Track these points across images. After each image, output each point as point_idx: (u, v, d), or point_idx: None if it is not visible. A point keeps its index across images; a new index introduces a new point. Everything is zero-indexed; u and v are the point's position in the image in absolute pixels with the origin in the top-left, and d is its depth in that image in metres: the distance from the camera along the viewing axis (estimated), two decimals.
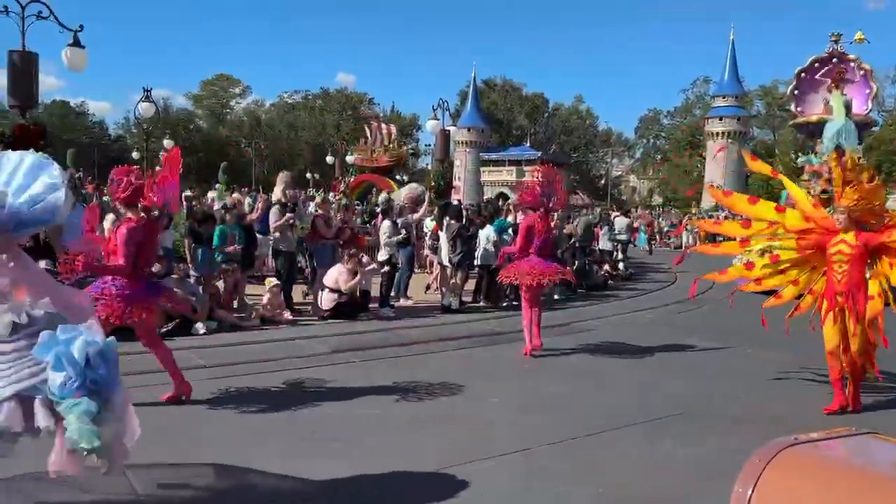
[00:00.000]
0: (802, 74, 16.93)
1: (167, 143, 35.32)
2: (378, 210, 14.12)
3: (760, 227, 6.57)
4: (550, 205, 8.16)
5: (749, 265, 6.74)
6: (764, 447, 1.45)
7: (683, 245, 29.50)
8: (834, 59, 16.10)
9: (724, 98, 63.91)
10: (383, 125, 27.44)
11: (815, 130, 16.27)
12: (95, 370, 2.92)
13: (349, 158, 44.20)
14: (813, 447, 1.48)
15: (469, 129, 62.85)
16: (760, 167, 7.26)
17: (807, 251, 6.24)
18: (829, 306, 5.93)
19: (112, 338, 3.13)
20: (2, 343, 3.05)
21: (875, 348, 5.90)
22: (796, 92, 17.20)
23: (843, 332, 5.83)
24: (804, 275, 6.43)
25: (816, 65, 16.51)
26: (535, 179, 8.30)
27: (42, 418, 2.93)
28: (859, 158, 6.08)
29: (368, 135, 27.08)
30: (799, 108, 17.16)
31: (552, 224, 8.67)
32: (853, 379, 5.95)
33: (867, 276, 5.82)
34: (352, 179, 26.02)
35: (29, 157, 3.28)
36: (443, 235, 11.48)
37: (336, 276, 9.77)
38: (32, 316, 3.13)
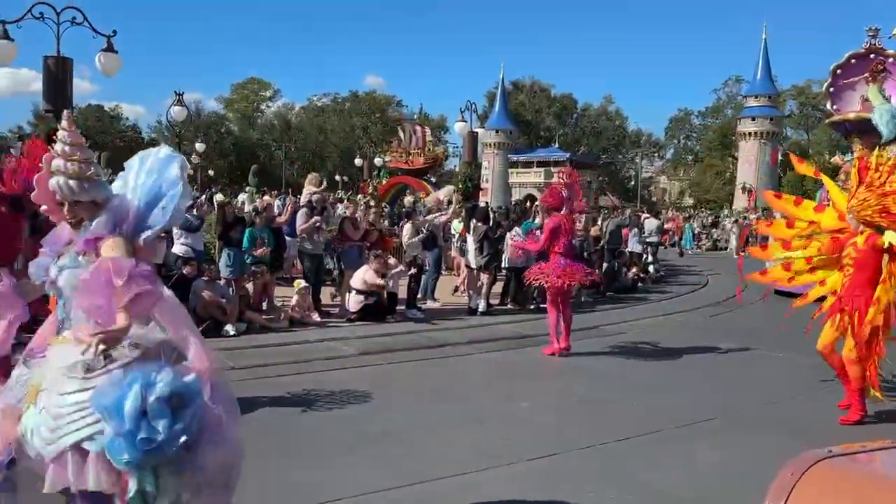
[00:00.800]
0: (838, 71, 16.18)
1: (199, 146, 35.96)
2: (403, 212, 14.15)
3: (801, 227, 6.55)
4: (573, 206, 8.24)
5: (787, 266, 6.58)
6: (796, 459, 1.41)
7: (731, 249, 28.94)
8: (871, 55, 15.36)
9: (756, 98, 62.90)
10: (417, 126, 27.33)
11: (851, 129, 15.58)
12: (153, 424, 2.30)
13: (377, 161, 44.45)
14: (848, 460, 1.43)
15: (497, 131, 62.72)
16: (806, 169, 7.19)
17: (833, 253, 6.09)
18: (831, 308, 5.93)
19: (194, 376, 2.47)
20: (90, 375, 2.45)
21: (873, 359, 5.64)
22: (832, 89, 16.44)
23: (841, 334, 5.81)
24: (832, 276, 6.26)
25: (853, 61, 15.77)
26: (560, 181, 8.42)
27: (92, 479, 2.34)
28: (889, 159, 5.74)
29: (402, 136, 27.01)
30: (835, 107, 16.40)
31: (577, 226, 8.83)
32: (846, 383, 5.85)
33: (878, 280, 5.58)
34: (384, 181, 26.03)
35: (159, 151, 2.97)
36: (470, 238, 11.45)
37: (363, 277, 9.80)
38: (143, 341, 2.59)
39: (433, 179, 25.40)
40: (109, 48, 12.14)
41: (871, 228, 5.67)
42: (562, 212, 8.09)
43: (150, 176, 2.85)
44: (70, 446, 2.36)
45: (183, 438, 2.35)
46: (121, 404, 2.29)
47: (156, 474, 2.34)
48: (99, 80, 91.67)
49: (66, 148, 2.73)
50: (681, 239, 31.36)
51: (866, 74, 15.06)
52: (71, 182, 2.69)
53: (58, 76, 10.98)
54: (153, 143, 73.36)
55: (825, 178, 6.98)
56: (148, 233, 2.78)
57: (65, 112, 2.98)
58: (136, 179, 2.84)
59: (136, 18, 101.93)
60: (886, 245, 5.46)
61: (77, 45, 12.08)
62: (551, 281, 7.85)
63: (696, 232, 36.22)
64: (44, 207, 2.83)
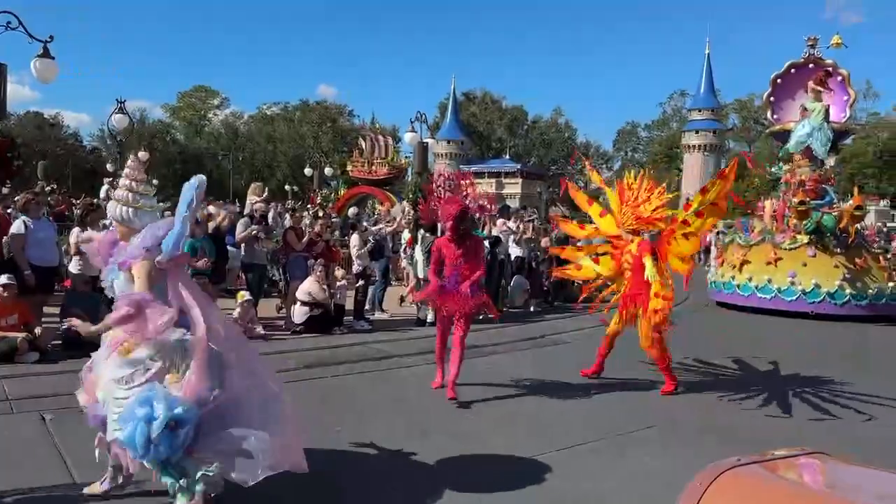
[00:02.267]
0: (778, 80, 16.51)
1: (142, 154, 35.03)
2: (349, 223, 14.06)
3: (590, 230, 8.09)
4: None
5: (596, 260, 7.84)
6: (706, 469, 1.42)
7: None
8: (811, 65, 15.71)
9: (699, 111, 64.80)
10: (381, 136, 27.15)
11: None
12: (158, 447, 3.31)
13: (328, 171, 44.07)
14: (757, 468, 1.45)
15: (448, 142, 63.08)
16: (580, 198, 8.28)
17: (617, 271, 7.40)
18: (622, 305, 7.18)
19: (188, 401, 3.43)
20: (128, 386, 3.54)
21: (660, 340, 6.93)
22: (772, 99, 16.72)
23: (626, 324, 7.16)
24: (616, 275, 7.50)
25: (793, 70, 16.14)
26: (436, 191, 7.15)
27: (129, 465, 3.59)
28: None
29: (364, 146, 26.76)
30: (775, 116, 16.66)
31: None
32: (658, 362, 7.09)
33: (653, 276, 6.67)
34: (341, 192, 25.79)
35: (192, 179, 3.73)
36: (418, 248, 11.43)
37: (308, 288, 9.68)
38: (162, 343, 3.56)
39: (398, 190, 25.27)
40: (45, 54, 11.77)
41: (638, 236, 7.10)
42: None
43: (181, 204, 3.64)
44: (114, 439, 3.49)
45: (182, 446, 3.37)
46: (132, 439, 3.33)
47: (171, 465, 3.38)
48: (42, 87, 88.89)
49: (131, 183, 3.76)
50: None
51: (806, 85, 15.18)
52: (128, 210, 3.73)
53: None
54: (94, 151, 71.55)
55: (607, 190, 7.97)
56: (159, 257, 3.56)
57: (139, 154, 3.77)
58: (179, 206, 3.66)
59: (82, 25, 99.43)
60: (646, 278, 6.68)
61: (21, 50, 11.67)
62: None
63: None
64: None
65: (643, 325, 6.84)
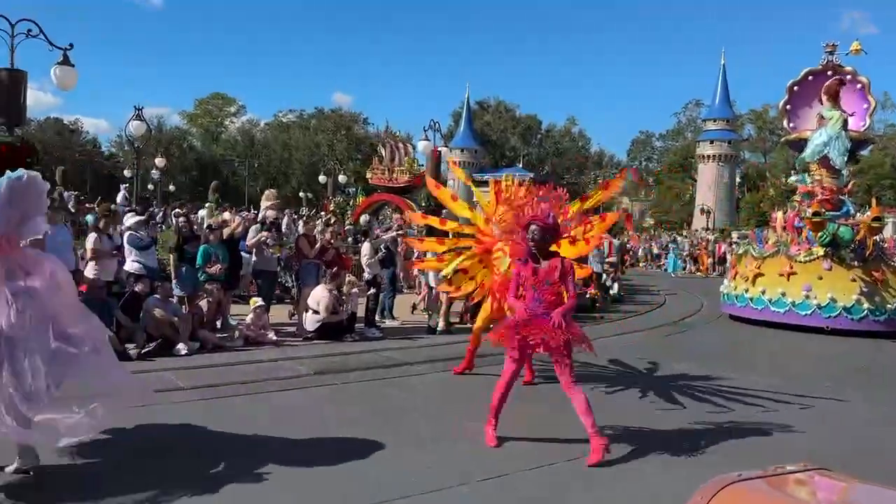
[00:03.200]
0: (795, 88, 15.87)
1: (159, 161, 35.42)
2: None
3: (450, 243, 8.24)
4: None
5: (440, 258, 8.14)
6: (706, 484, 1.42)
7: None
8: (829, 72, 15.07)
9: (714, 122, 64.43)
10: (401, 144, 27.04)
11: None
12: None
13: (342, 178, 44.23)
14: (759, 484, 1.44)
15: (462, 150, 63.13)
16: (442, 195, 8.60)
17: (481, 250, 7.53)
18: (492, 298, 7.30)
19: None
20: None
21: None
22: (789, 107, 16.07)
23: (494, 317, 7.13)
24: (480, 272, 7.64)
25: (810, 77, 15.47)
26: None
27: None
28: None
29: (384, 154, 26.64)
30: (791, 125, 16.12)
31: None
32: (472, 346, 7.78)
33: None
34: (359, 199, 25.81)
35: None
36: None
37: (318, 297, 9.71)
38: None
39: (416, 197, 25.20)
40: (66, 61, 11.94)
41: (511, 235, 6.97)
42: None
43: None
44: None
45: None
46: None
47: None
48: (62, 93, 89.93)
49: None
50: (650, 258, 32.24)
51: (824, 93, 14.60)
52: None
53: (10, 89, 10.75)
54: (112, 157, 72.28)
55: (472, 186, 9.08)
56: None
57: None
58: None
59: (100, 34, 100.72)
60: (504, 269, 6.80)
61: (41, 58, 11.89)
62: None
63: (655, 253, 36.77)
64: None
65: (486, 308, 7.39)
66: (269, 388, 7.15)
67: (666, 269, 32.24)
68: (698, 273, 31.08)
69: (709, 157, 64.44)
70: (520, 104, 77.63)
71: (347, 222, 19.92)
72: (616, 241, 21.66)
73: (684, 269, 32.20)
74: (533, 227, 5.37)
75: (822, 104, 14.81)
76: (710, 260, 31.59)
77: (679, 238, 38.69)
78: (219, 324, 9.78)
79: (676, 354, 10.06)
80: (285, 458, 4.97)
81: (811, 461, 1.66)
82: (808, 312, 12.97)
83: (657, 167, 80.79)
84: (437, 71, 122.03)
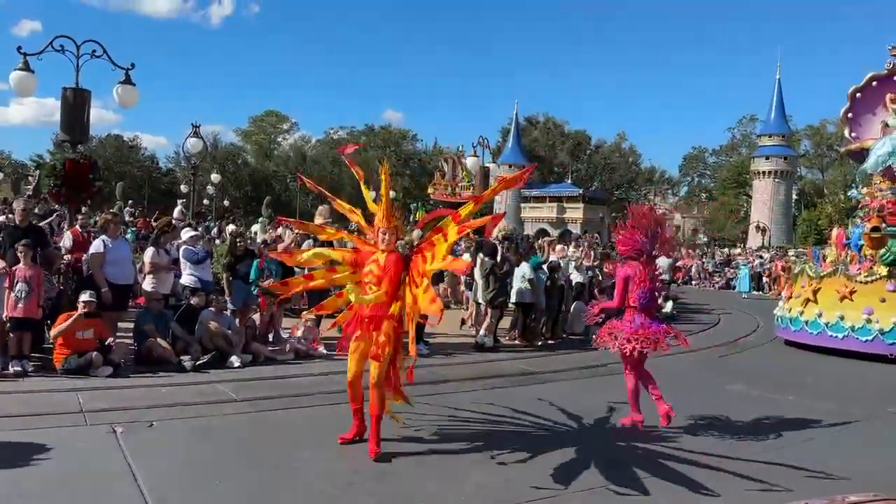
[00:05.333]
0: (858, 94, 14.78)
1: (214, 176, 36.35)
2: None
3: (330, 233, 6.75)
4: (657, 250, 6.71)
5: (308, 276, 6.21)
6: None
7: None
8: (895, 77, 14.06)
9: (770, 137, 62.97)
10: (463, 159, 27.13)
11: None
12: None
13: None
14: None
15: (510, 166, 62.90)
16: (356, 171, 6.36)
17: (353, 266, 5.77)
18: (354, 330, 5.55)
19: None
20: None
21: (398, 377, 5.94)
22: (850, 115, 15.00)
23: (363, 359, 5.53)
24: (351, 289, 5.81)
25: (874, 83, 14.40)
26: (632, 223, 6.68)
27: None
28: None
29: (447, 170, 26.70)
30: (853, 134, 15.06)
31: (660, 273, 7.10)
32: (374, 413, 5.45)
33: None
34: (419, 215, 26.07)
35: None
36: (477, 272, 11.43)
37: None
38: None
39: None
40: (127, 80, 12.37)
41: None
42: (640, 258, 6.56)
43: None
44: None
45: None
46: None
47: None
48: (123, 111, 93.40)
49: None
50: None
51: (888, 98, 13.80)
52: None
53: (75, 107, 11.22)
54: (169, 173, 74.47)
55: (364, 189, 6.27)
56: None
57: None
58: None
59: (162, 52, 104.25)
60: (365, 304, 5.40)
61: (104, 77, 12.36)
62: (620, 344, 6.39)
63: (710, 271, 35.90)
64: None
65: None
66: (318, 401, 7.22)
67: (736, 289, 29.49)
68: (770, 294, 26.84)
69: (764, 172, 62.96)
70: (569, 120, 77.33)
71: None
72: (668, 260, 21.26)
73: (757, 288, 29.47)
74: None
75: (887, 111, 13.89)
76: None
77: (759, 257, 35.31)
78: (271, 337, 9.93)
79: (731, 375, 9.80)
80: (331, 473, 5.00)
81: (879, 492, 1.60)
82: (869, 338, 11.86)
83: (710, 183, 79.32)
84: (486, 87, 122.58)
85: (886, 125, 13.64)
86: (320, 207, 11.94)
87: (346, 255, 5.96)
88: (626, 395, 6.76)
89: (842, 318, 12.24)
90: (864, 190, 13.88)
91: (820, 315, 12.60)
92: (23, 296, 7.56)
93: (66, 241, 9.66)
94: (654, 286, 6.56)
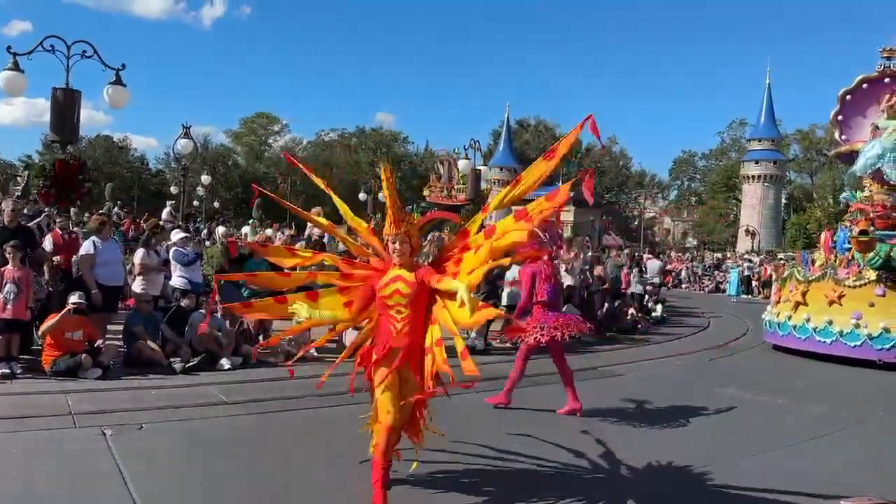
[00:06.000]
0: (848, 97, 14.60)
1: (204, 178, 36.20)
2: None
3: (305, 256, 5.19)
4: (553, 251, 7.33)
5: (280, 299, 4.77)
6: None
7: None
8: (886, 79, 13.89)
9: (759, 141, 63.42)
10: (459, 162, 27.17)
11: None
12: None
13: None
14: None
15: (501, 169, 63.08)
16: (316, 180, 5.35)
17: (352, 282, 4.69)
18: (383, 363, 4.36)
19: None
20: None
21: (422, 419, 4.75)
22: (841, 118, 14.79)
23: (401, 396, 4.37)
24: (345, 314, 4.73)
25: (865, 85, 14.31)
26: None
27: None
28: None
29: (443, 172, 26.72)
30: (843, 136, 14.87)
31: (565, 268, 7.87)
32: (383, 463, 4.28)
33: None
34: (416, 217, 26.07)
35: None
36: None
37: None
38: None
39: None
40: (118, 81, 12.30)
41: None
42: (544, 257, 7.15)
43: None
44: None
45: None
46: None
47: None
48: (113, 112, 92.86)
49: None
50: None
51: (880, 101, 13.64)
52: None
53: (65, 107, 11.13)
54: (160, 174, 74.11)
55: (335, 199, 5.21)
56: None
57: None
58: None
59: (151, 53, 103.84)
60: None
61: (94, 78, 12.27)
62: (540, 336, 6.99)
63: (699, 274, 36.08)
64: None
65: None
66: (310, 403, 7.19)
67: (727, 293, 29.62)
68: (759, 297, 27.19)
69: (754, 177, 63.40)
70: (560, 123, 77.54)
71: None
72: (658, 263, 21.37)
73: (746, 292, 29.51)
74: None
75: (882, 111, 13.67)
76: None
77: (748, 261, 34.91)
78: (262, 339, 9.88)
79: (721, 378, 9.84)
80: (325, 473, 4.98)
81: (872, 495, 1.60)
82: (858, 343, 11.72)
83: (700, 187, 79.68)
84: (477, 91, 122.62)
85: (876, 127, 13.54)
86: (314, 209, 11.92)
87: (340, 264, 4.87)
88: (509, 380, 7.56)
89: (830, 322, 12.12)
90: (861, 195, 13.66)
91: (808, 320, 12.47)
92: (11, 297, 7.50)
93: (47, 243, 9.15)
94: (557, 282, 7.31)
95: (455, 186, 25.47)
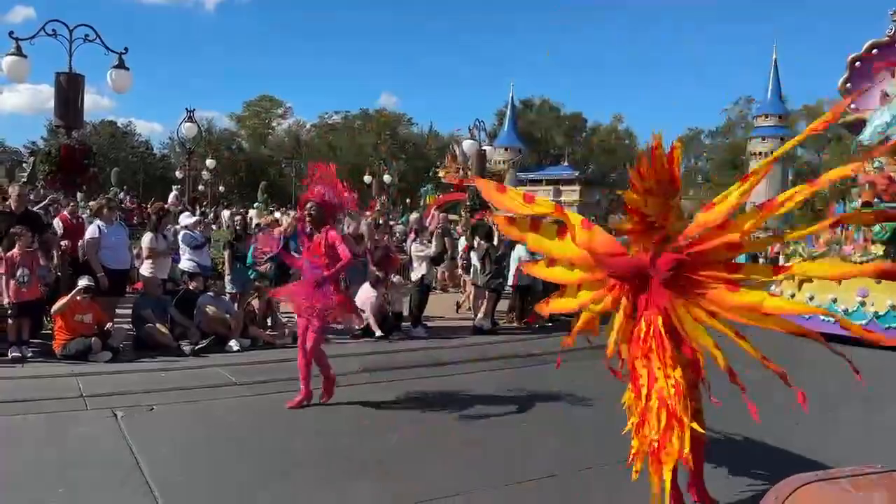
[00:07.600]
0: (857, 63, 14.05)
1: (209, 162, 36.20)
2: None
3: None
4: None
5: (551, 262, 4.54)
6: (781, 483, 1.37)
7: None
8: None
9: (766, 118, 62.99)
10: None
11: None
12: None
13: (386, 178, 44.51)
14: (833, 485, 1.39)
15: (506, 149, 62.92)
16: (499, 197, 4.44)
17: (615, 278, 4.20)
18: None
19: None
20: None
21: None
22: (849, 85, 14.20)
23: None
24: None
25: (875, 50, 13.71)
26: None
27: None
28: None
29: (458, 153, 26.66)
30: (852, 105, 14.17)
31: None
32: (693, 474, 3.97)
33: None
34: (429, 198, 26.05)
35: None
36: (473, 255, 11.43)
37: (364, 297, 9.79)
38: None
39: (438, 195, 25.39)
40: (121, 65, 12.28)
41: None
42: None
43: None
44: None
45: None
46: None
47: None
48: (117, 97, 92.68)
49: None
50: None
51: (889, 67, 13.24)
52: None
53: (69, 92, 11.14)
54: (164, 158, 74.10)
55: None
56: None
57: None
58: None
59: (156, 38, 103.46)
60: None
61: (97, 63, 12.29)
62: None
63: None
64: None
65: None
66: (316, 384, 7.22)
67: None
68: None
69: (760, 153, 62.98)
70: (564, 103, 77.20)
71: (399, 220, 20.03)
72: None
73: None
74: (309, 204, 6.18)
75: (892, 77, 13.21)
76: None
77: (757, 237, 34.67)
78: (269, 321, 9.93)
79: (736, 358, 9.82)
80: (331, 455, 5.03)
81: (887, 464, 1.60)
82: (864, 322, 10.74)
83: (706, 165, 79.23)
84: (482, 70, 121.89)
85: (886, 94, 13.09)
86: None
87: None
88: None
89: (834, 300, 11.60)
90: (872, 166, 12.62)
91: (812, 298, 11.79)
92: (25, 280, 7.56)
93: (56, 226, 9.38)
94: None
95: (470, 167, 25.42)
